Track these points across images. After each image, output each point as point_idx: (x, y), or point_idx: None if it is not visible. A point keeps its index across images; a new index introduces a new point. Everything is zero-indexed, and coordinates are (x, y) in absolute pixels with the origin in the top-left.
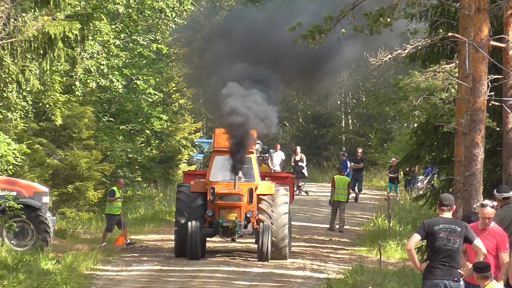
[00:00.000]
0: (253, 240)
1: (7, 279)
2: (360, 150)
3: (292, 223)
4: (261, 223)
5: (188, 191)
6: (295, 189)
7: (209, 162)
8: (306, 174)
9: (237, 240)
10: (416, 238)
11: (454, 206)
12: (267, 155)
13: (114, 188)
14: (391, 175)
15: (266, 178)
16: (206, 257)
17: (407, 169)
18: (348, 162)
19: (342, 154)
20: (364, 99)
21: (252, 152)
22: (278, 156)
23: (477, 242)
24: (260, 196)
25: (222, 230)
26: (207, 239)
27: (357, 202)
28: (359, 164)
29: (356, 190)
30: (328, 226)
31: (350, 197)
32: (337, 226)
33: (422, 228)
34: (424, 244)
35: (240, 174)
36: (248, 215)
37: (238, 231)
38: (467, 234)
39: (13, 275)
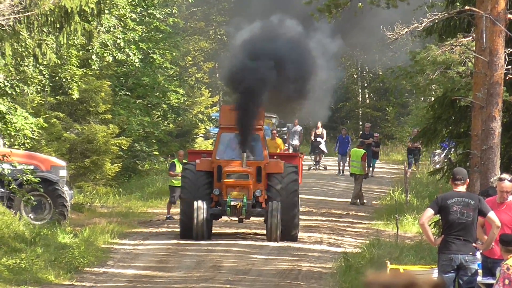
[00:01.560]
0: (256, 224)
1: (25, 252)
2: (368, 125)
3: (309, 197)
4: (270, 203)
5: (194, 170)
6: (313, 164)
7: (215, 140)
8: (324, 149)
9: (244, 221)
10: (429, 213)
11: (468, 180)
12: (284, 129)
13: (175, 160)
14: (410, 146)
15: (275, 157)
16: (212, 239)
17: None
18: (349, 139)
19: (343, 129)
20: (380, 73)
21: (260, 129)
22: (296, 131)
23: (491, 215)
24: (269, 175)
25: (229, 210)
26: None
27: (365, 178)
28: (368, 140)
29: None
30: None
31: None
32: (364, 201)
33: (435, 202)
34: (440, 218)
35: (248, 152)
36: (256, 194)
37: (246, 210)
38: (481, 207)
39: (31, 248)
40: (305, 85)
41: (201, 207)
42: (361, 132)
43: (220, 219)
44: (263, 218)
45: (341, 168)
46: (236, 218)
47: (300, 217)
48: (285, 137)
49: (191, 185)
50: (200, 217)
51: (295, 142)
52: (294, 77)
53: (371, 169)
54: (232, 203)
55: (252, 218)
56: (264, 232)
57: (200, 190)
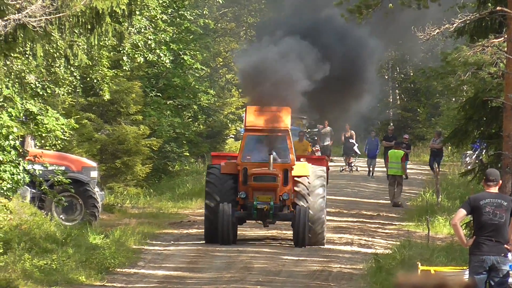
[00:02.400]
0: (284, 227)
1: (56, 253)
2: (391, 128)
3: (340, 198)
4: (297, 206)
5: (218, 173)
6: (345, 166)
7: (241, 142)
8: (357, 151)
9: (269, 225)
10: (461, 213)
11: (500, 181)
12: (315, 130)
13: None
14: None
15: (302, 159)
16: (238, 244)
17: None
18: (378, 141)
19: (372, 131)
20: (411, 74)
21: (287, 131)
22: (326, 132)
23: None
24: (296, 178)
25: (256, 213)
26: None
27: (406, 179)
28: (391, 142)
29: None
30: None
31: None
32: (398, 201)
33: (468, 203)
34: (471, 219)
35: (274, 154)
36: (284, 197)
37: (273, 214)
38: None
39: (62, 249)
40: (359, 85)
41: (226, 211)
42: (384, 134)
43: (244, 223)
44: (290, 222)
45: (371, 169)
46: (262, 222)
47: (331, 218)
48: (316, 138)
49: (215, 188)
50: (225, 221)
51: (326, 143)
52: (347, 76)
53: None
54: (259, 207)
55: (278, 221)
56: (289, 234)
57: (225, 193)
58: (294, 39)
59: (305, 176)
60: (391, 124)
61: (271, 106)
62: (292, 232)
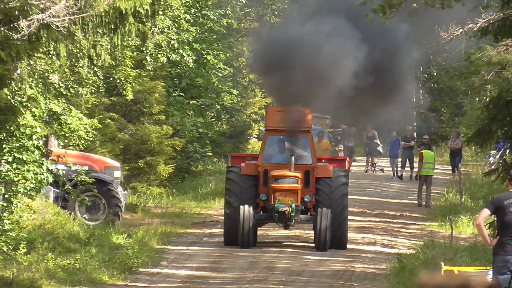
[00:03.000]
0: (304, 228)
1: (79, 253)
2: (409, 128)
3: (363, 198)
4: (319, 209)
5: (239, 174)
6: (369, 166)
7: (261, 143)
8: (381, 151)
9: (290, 227)
10: (485, 213)
11: None
12: (339, 129)
13: None
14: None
15: (323, 160)
16: (258, 246)
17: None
18: (399, 141)
19: (393, 131)
20: (435, 74)
21: (309, 132)
22: (350, 133)
23: None
24: (317, 179)
25: (277, 216)
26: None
27: (411, 179)
28: (410, 142)
29: (402, 168)
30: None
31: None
32: (423, 202)
33: (492, 203)
34: (495, 219)
35: (296, 155)
36: (305, 199)
37: (295, 217)
38: None
39: (85, 249)
40: (396, 91)
41: (247, 213)
42: (403, 135)
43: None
44: (312, 225)
45: (395, 170)
46: (283, 225)
47: (354, 218)
48: (339, 138)
49: (236, 190)
50: (246, 224)
51: (351, 143)
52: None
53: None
54: (280, 209)
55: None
56: (312, 234)
57: (246, 195)
58: (338, 19)
59: (327, 177)
60: (413, 125)
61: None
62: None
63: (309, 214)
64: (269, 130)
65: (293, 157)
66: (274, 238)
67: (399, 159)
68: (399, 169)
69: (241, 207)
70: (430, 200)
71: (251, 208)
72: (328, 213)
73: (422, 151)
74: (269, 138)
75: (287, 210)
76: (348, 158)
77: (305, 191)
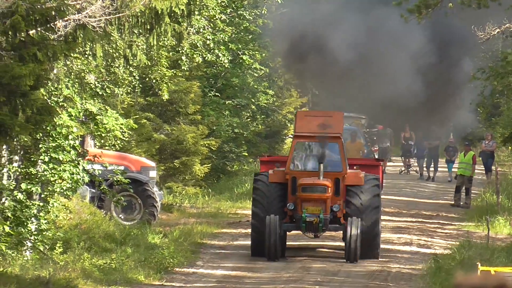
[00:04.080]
0: (335, 237)
1: (115, 252)
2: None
3: (399, 198)
4: (349, 219)
5: (266, 181)
6: (403, 168)
7: (290, 149)
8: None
9: (320, 237)
10: None
11: None
12: (374, 130)
13: None
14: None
15: (355, 167)
16: (287, 257)
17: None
18: (425, 142)
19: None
20: (471, 73)
21: (339, 137)
22: (385, 134)
23: None
24: (348, 187)
25: (305, 226)
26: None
27: (433, 181)
28: (436, 142)
29: (432, 169)
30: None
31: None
32: (461, 202)
33: None
34: None
35: (326, 162)
36: (334, 209)
37: (323, 227)
38: None
39: (121, 248)
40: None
41: (273, 224)
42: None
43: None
44: (342, 236)
45: (424, 171)
46: (312, 235)
47: (389, 218)
48: (375, 138)
49: (263, 198)
50: (272, 234)
51: (385, 144)
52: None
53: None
54: (307, 219)
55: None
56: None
57: (273, 204)
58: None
59: (359, 185)
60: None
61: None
62: None
63: (340, 223)
64: (298, 135)
65: (322, 165)
66: (304, 247)
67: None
68: (415, 169)
69: (267, 217)
70: (470, 199)
71: (278, 218)
72: (359, 223)
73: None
74: (297, 144)
75: (314, 220)
76: (383, 162)
77: (335, 199)
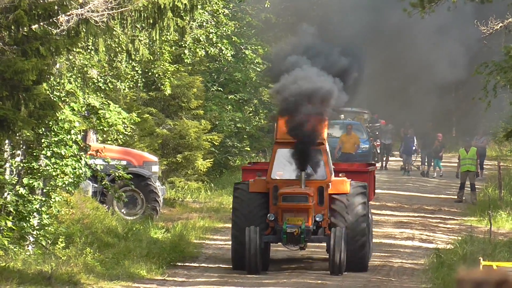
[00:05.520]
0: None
1: (117, 247)
2: (430, 124)
3: (401, 192)
4: (332, 229)
5: (247, 191)
6: (405, 165)
7: (271, 157)
8: (416, 148)
9: (305, 249)
10: None
11: None
12: (377, 124)
13: None
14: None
15: (341, 174)
16: (270, 270)
17: None
18: (414, 138)
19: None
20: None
21: (323, 143)
22: (387, 130)
23: None
24: (333, 196)
25: (286, 237)
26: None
27: (426, 176)
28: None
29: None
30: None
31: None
32: (463, 198)
33: None
34: None
35: (309, 169)
36: (317, 219)
37: (305, 238)
38: None
39: (123, 243)
40: None
41: (253, 236)
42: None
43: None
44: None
45: (406, 167)
46: (296, 247)
47: (392, 212)
48: (377, 133)
49: (243, 208)
50: (252, 248)
51: (388, 141)
52: None
53: (431, 168)
54: (288, 230)
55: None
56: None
57: (253, 215)
58: None
59: (344, 193)
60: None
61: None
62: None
63: (324, 233)
64: (279, 142)
65: (303, 173)
66: (289, 258)
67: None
68: (422, 166)
69: (247, 229)
70: (475, 195)
71: (258, 230)
72: (343, 233)
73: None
74: (279, 152)
75: (295, 231)
76: (374, 166)
77: (319, 209)
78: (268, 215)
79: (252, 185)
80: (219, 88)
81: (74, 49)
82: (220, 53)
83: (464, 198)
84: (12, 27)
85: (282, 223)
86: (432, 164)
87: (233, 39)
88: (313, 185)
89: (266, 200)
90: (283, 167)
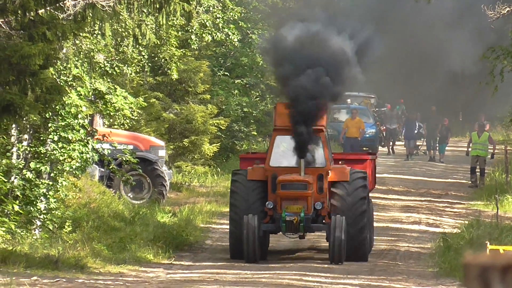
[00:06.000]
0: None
1: (124, 231)
2: (434, 108)
3: (408, 177)
4: (332, 217)
5: (245, 179)
6: (409, 152)
7: (269, 144)
8: (422, 132)
9: (304, 238)
10: None
11: None
12: (383, 109)
13: None
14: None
15: (340, 162)
16: (268, 260)
17: None
18: (416, 123)
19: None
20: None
21: (322, 130)
22: (393, 115)
23: None
24: (333, 183)
25: (284, 226)
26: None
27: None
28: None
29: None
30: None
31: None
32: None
33: None
34: None
35: (309, 157)
36: (316, 207)
37: (304, 227)
38: None
39: (130, 227)
40: None
41: (251, 224)
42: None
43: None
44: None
45: (409, 152)
46: (295, 235)
47: (399, 197)
48: (383, 116)
49: (241, 196)
50: (250, 236)
51: (393, 126)
52: None
53: (437, 152)
54: (287, 218)
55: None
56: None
57: (252, 204)
58: None
59: (344, 181)
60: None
61: None
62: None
63: (323, 222)
64: (278, 129)
65: (302, 161)
66: (286, 250)
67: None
68: (428, 151)
69: (245, 217)
70: (483, 179)
71: (256, 218)
72: (343, 221)
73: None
74: (277, 139)
75: (295, 219)
76: (375, 155)
77: (318, 197)
78: (267, 203)
79: (250, 173)
80: (225, 73)
81: (81, 34)
82: (227, 38)
83: (478, 182)
84: (19, 11)
85: (281, 211)
86: (437, 148)
87: (240, 24)
88: (313, 173)
89: (264, 189)
90: (282, 154)
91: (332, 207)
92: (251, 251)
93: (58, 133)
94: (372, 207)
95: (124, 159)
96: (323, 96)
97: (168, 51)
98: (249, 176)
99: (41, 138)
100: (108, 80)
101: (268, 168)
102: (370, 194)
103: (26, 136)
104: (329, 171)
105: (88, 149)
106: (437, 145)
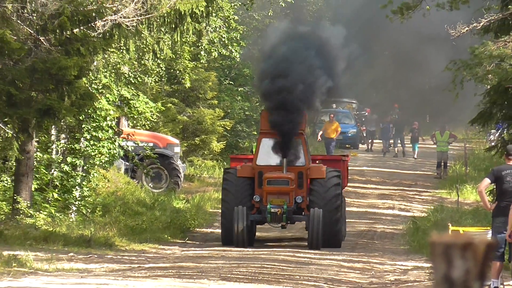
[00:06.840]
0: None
1: (145, 215)
2: (396, 105)
3: (384, 169)
4: (311, 209)
5: (235, 176)
6: (385, 149)
7: (256, 145)
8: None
9: (287, 227)
10: (486, 182)
11: None
12: (363, 112)
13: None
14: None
15: (317, 161)
16: (255, 246)
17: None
18: (389, 125)
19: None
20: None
21: (302, 134)
22: (372, 119)
23: None
24: (311, 180)
25: (270, 216)
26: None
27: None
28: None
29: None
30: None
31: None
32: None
33: (492, 173)
34: (494, 187)
35: (290, 157)
36: (297, 200)
37: (287, 217)
38: None
39: (150, 212)
40: None
41: (241, 214)
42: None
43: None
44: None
45: (384, 150)
46: (278, 225)
47: (375, 186)
48: (363, 120)
49: (232, 189)
50: (240, 224)
51: (372, 128)
52: None
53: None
54: (272, 210)
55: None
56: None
57: (241, 197)
58: None
59: (321, 178)
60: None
61: None
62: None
63: (303, 214)
64: (263, 133)
65: (285, 160)
66: (274, 238)
67: (391, 141)
68: (395, 148)
69: (235, 208)
70: (446, 171)
71: (245, 209)
72: (320, 213)
73: (435, 132)
74: (263, 141)
75: (278, 211)
76: (347, 157)
77: (298, 191)
78: (254, 196)
79: (239, 170)
80: (230, 82)
81: (109, 49)
82: (231, 54)
83: (442, 174)
84: (57, 30)
85: (266, 204)
86: (412, 147)
87: (241, 44)
88: (294, 171)
89: (252, 184)
90: (268, 154)
91: (311, 201)
92: (241, 238)
93: (90, 133)
94: (345, 201)
95: (145, 154)
96: (300, 106)
97: (182, 63)
98: (238, 173)
99: (76, 137)
100: (132, 88)
101: (255, 166)
102: (351, 184)
103: (63, 135)
104: (308, 170)
105: (115, 146)
106: (410, 144)
